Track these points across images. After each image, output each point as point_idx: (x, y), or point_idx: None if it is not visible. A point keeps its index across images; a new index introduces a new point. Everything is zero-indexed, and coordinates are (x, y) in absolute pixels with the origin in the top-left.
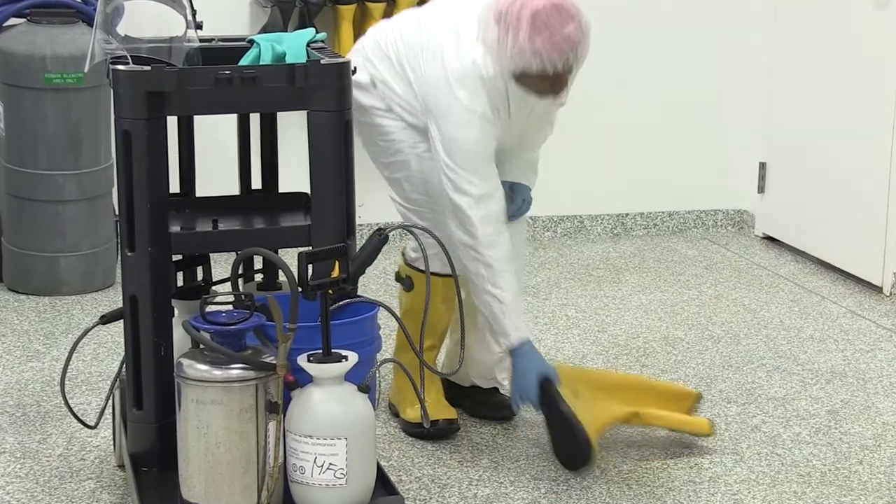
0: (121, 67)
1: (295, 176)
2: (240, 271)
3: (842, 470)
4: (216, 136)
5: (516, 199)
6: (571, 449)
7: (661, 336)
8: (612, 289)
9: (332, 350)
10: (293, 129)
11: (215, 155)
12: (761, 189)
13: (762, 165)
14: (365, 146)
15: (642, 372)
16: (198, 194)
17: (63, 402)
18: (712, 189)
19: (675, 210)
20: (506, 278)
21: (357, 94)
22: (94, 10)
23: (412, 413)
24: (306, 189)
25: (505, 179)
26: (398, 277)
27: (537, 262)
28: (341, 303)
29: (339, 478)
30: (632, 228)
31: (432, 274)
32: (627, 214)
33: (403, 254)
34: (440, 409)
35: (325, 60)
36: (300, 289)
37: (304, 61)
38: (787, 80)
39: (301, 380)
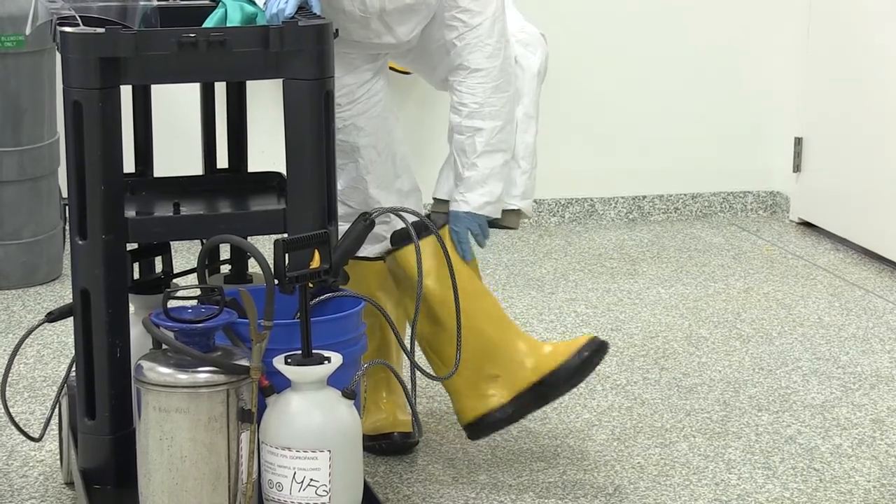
0: (70, 30)
1: (266, 153)
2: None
3: (888, 487)
4: (177, 108)
5: None
6: None
7: (683, 335)
8: (627, 281)
9: (313, 351)
10: (264, 99)
11: (176, 130)
12: (797, 168)
13: (798, 141)
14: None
15: (661, 376)
16: (156, 174)
17: (4, 410)
18: (741, 168)
19: (698, 192)
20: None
21: None
22: None
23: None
24: (279, 168)
25: None
26: None
27: (542, 251)
28: (323, 297)
29: (322, 495)
30: (650, 213)
31: (362, 259)
32: (645, 197)
33: None
34: (395, 421)
35: (302, 22)
36: (276, 281)
37: (279, 23)
38: (824, 45)
39: (278, 384)
